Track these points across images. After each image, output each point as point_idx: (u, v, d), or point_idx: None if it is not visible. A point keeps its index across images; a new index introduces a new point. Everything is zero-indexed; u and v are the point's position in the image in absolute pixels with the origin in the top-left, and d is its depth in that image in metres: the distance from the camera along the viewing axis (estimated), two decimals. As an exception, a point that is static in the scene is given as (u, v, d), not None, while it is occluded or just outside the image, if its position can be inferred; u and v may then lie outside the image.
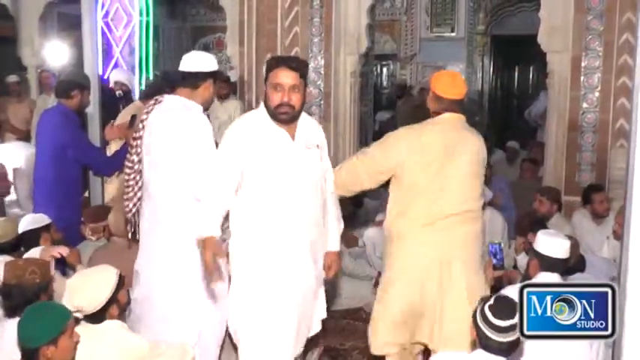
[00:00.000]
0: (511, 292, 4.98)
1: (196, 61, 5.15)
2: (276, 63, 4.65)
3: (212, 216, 4.48)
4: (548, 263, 4.93)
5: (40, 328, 3.75)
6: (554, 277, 4.86)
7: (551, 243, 4.96)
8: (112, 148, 7.27)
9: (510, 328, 3.70)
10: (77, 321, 4.28)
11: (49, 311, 3.88)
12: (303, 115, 4.81)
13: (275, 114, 4.59)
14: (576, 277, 5.85)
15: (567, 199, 8.78)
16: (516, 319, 3.69)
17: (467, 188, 5.17)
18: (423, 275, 5.09)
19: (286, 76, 4.55)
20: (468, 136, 5.18)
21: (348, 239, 8.34)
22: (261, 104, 4.74)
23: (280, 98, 4.54)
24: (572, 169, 8.96)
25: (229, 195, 4.60)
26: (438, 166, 5.04)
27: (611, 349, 4.28)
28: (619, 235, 5.84)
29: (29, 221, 5.84)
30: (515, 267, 7.17)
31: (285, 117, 4.60)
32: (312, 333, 5.15)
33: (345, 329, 7.16)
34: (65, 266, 5.90)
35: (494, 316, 3.74)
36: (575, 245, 5.74)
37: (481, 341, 3.79)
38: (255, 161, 4.59)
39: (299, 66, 4.66)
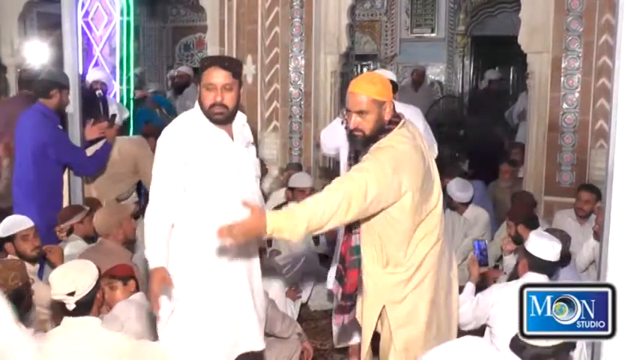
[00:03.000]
0: (496, 290, 5.01)
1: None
2: (208, 63, 4.52)
3: (157, 244, 4.42)
4: (538, 264, 4.96)
5: None
6: (541, 278, 4.89)
7: (543, 245, 4.98)
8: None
9: None
10: (63, 313, 4.29)
11: None
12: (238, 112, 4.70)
13: (209, 114, 4.48)
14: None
15: (547, 200, 8.85)
16: None
17: None
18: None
19: (218, 76, 4.42)
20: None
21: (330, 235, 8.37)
22: (196, 105, 4.59)
23: (213, 98, 4.42)
24: (552, 169, 9.00)
25: (173, 210, 4.48)
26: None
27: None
28: (599, 235, 5.86)
29: None
30: (496, 266, 7.22)
31: (220, 117, 4.48)
32: (251, 349, 4.84)
33: (325, 330, 7.15)
34: (42, 269, 5.91)
35: None
36: (565, 237, 5.78)
37: None
38: (197, 164, 4.48)
39: (231, 65, 4.52)
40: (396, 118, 4.46)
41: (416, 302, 4.54)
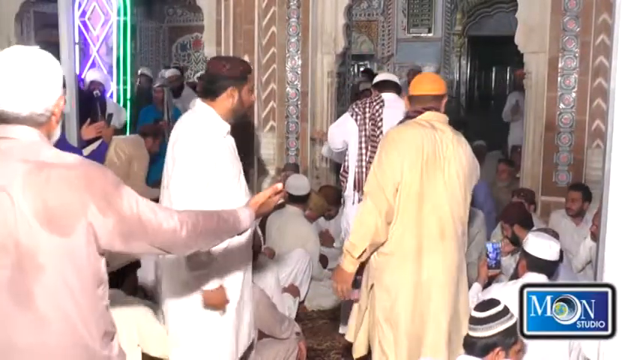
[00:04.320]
0: (495, 291, 4.98)
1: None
2: (249, 67, 4.61)
3: None
4: (537, 264, 4.94)
5: None
6: (541, 278, 4.86)
7: (542, 245, 4.97)
8: None
9: (483, 321, 3.78)
10: None
11: None
12: None
13: (244, 113, 4.61)
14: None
15: (544, 200, 8.84)
16: (491, 312, 3.77)
17: None
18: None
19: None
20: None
21: (325, 238, 8.35)
22: (206, 108, 4.48)
23: (254, 98, 4.60)
24: (549, 169, 9.00)
25: None
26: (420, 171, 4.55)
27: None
28: (596, 235, 5.86)
29: None
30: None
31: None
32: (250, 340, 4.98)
33: (322, 329, 7.16)
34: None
35: (475, 309, 3.93)
36: (555, 236, 5.79)
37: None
38: (219, 167, 4.41)
39: None
40: (414, 113, 4.71)
41: (397, 289, 4.58)
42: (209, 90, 4.47)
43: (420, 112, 4.68)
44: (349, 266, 4.61)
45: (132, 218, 2.74)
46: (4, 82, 2.63)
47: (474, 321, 3.91)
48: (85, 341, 2.73)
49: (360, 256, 4.57)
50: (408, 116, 4.77)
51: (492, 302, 3.94)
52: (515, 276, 5.25)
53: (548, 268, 4.97)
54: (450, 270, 4.60)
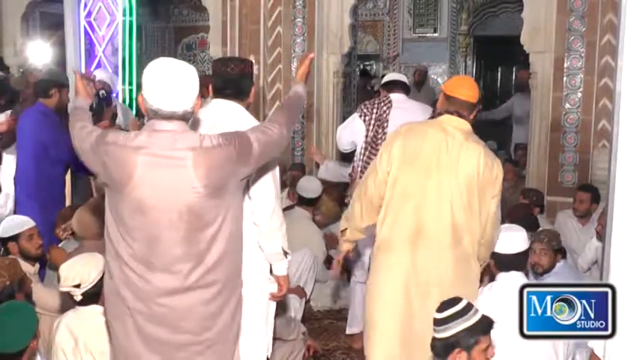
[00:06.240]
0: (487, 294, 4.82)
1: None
2: None
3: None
4: (502, 261, 4.68)
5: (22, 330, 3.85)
6: (515, 277, 4.58)
7: (500, 239, 4.69)
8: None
9: (441, 322, 3.65)
10: (73, 303, 4.49)
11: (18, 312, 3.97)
12: None
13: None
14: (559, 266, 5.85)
15: (550, 200, 8.82)
16: (449, 313, 3.65)
17: None
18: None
19: None
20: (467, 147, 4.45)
21: (332, 240, 8.33)
22: (239, 107, 4.52)
23: None
24: (554, 169, 9.00)
25: None
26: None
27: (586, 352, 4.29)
28: (602, 235, 5.82)
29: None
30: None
31: None
32: None
33: (328, 329, 7.16)
34: (44, 268, 5.91)
35: (436, 310, 3.74)
36: (556, 235, 5.80)
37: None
38: None
39: None
40: (438, 114, 4.65)
41: (371, 281, 4.61)
42: (241, 89, 4.50)
43: (442, 114, 4.56)
44: (341, 244, 5.02)
45: (261, 150, 3.74)
46: (163, 88, 3.43)
47: (434, 322, 3.70)
48: (239, 271, 3.86)
49: (343, 233, 4.91)
50: (432, 115, 4.85)
51: (453, 301, 3.70)
52: (492, 278, 5.02)
53: (514, 262, 4.67)
54: (423, 273, 4.40)
